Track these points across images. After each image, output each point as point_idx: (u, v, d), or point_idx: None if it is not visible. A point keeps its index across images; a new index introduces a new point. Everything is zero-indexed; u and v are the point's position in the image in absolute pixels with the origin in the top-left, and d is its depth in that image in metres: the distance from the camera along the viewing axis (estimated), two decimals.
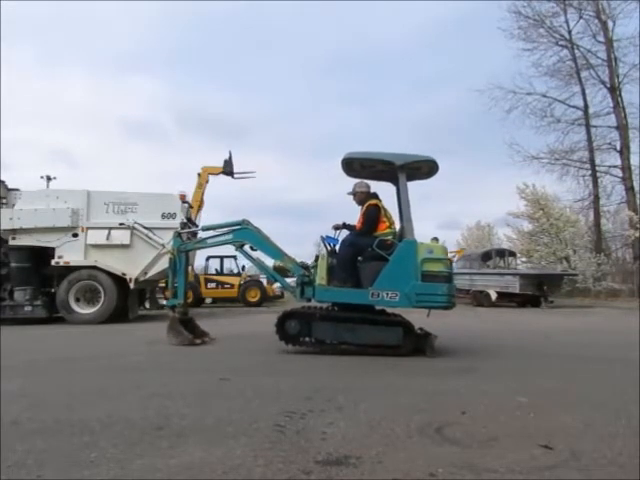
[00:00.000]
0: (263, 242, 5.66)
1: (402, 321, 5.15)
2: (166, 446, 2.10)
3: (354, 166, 5.55)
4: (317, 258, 5.42)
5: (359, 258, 5.22)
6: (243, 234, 5.69)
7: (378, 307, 5.30)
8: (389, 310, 5.38)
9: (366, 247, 5.14)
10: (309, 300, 5.44)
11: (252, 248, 5.69)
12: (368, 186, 5.63)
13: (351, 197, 5.66)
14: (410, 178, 5.36)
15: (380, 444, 2.13)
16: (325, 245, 5.43)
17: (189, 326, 5.92)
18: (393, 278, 4.94)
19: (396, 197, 5.67)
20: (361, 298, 5.00)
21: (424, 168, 5.47)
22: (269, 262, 5.74)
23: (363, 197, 5.54)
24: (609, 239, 27.15)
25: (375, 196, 5.56)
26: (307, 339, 5.17)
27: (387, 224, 5.32)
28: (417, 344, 5.07)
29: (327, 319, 5.20)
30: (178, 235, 6.24)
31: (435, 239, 5.41)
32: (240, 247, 5.69)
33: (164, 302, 15.99)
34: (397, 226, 5.49)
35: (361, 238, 5.25)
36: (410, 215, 5.22)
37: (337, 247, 5.39)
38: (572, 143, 25.68)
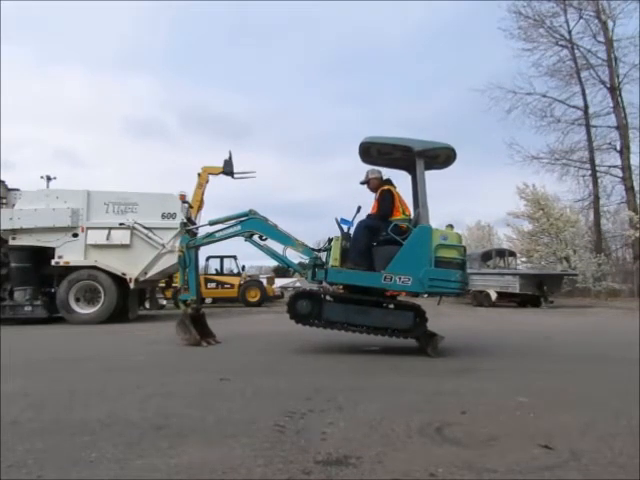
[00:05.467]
0: (272, 230, 5.68)
1: (413, 305, 5.18)
2: (166, 446, 2.10)
3: (371, 152, 5.54)
4: (330, 240, 5.43)
5: (373, 242, 5.23)
6: (251, 224, 5.70)
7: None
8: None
9: (381, 231, 5.16)
10: (320, 282, 5.46)
11: (261, 237, 5.70)
12: (380, 172, 5.70)
13: (363, 186, 5.70)
14: (426, 167, 5.33)
15: (380, 444, 2.13)
16: (340, 227, 5.43)
17: (199, 323, 5.91)
18: (407, 263, 4.95)
19: (411, 184, 5.71)
20: (374, 281, 5.00)
21: (441, 157, 5.47)
22: (278, 249, 5.72)
23: (377, 183, 5.59)
24: (609, 239, 27.12)
25: (389, 182, 5.60)
26: (317, 320, 5.18)
27: (400, 210, 5.34)
28: (426, 333, 5.09)
29: (339, 300, 5.25)
30: (186, 232, 6.25)
31: (450, 226, 5.39)
32: (249, 237, 5.70)
33: (164, 302, 16.13)
34: (410, 213, 5.49)
35: (376, 222, 5.27)
36: (426, 202, 5.19)
37: (352, 230, 5.38)
38: (572, 143, 25.68)
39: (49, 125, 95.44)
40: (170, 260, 9.82)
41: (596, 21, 24.48)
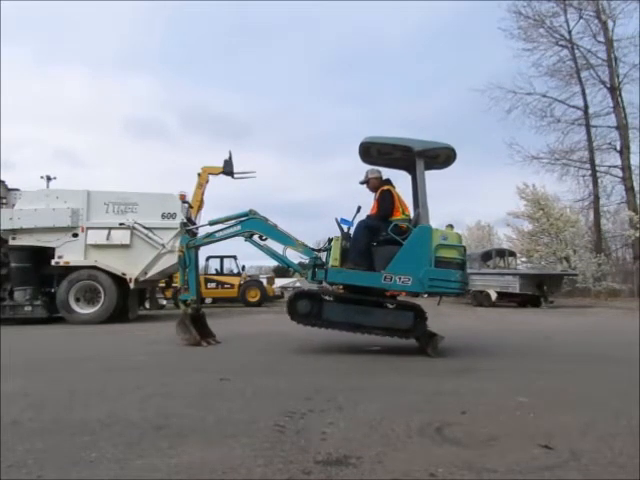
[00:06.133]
0: (272, 230, 5.67)
1: (414, 305, 5.19)
2: (166, 446, 2.10)
3: (371, 152, 5.53)
4: (330, 240, 5.43)
5: (373, 243, 5.22)
6: (251, 224, 5.70)
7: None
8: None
9: (381, 231, 5.16)
10: (320, 282, 5.46)
11: (261, 237, 5.69)
12: (380, 172, 5.70)
13: (363, 186, 5.70)
14: (427, 167, 5.31)
15: (380, 444, 2.13)
16: (340, 227, 5.43)
17: (199, 323, 5.91)
18: (407, 263, 4.94)
19: (411, 184, 5.71)
20: (374, 281, 5.00)
21: (441, 157, 5.46)
22: (278, 249, 5.72)
23: (377, 183, 5.59)
24: (609, 239, 27.12)
25: (388, 182, 5.60)
26: (317, 320, 5.17)
27: (400, 210, 5.34)
28: (426, 333, 5.09)
29: (338, 300, 5.26)
30: (186, 231, 6.25)
31: (450, 226, 5.38)
32: (249, 237, 5.70)
33: (164, 302, 16.13)
34: (410, 213, 5.49)
35: (376, 222, 5.26)
36: (426, 202, 5.18)
37: (352, 230, 5.38)
38: (572, 143, 25.69)
39: (49, 125, 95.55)
40: (170, 260, 9.81)
41: (596, 21, 24.50)
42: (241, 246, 5.75)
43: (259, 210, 5.74)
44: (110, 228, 10.01)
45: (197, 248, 6.00)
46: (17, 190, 10.36)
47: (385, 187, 5.43)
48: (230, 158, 12.20)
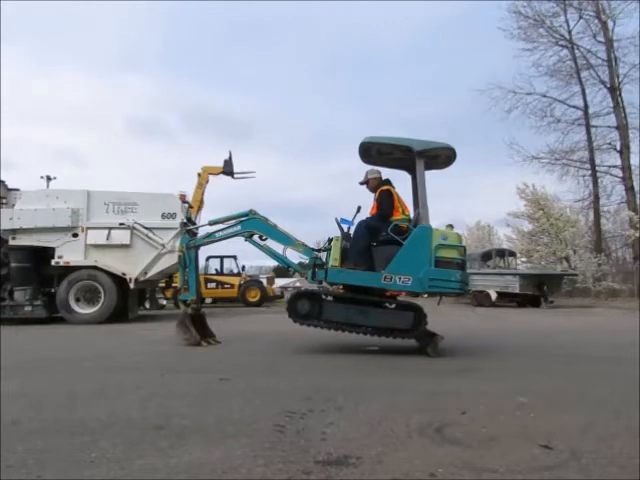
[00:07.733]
0: (272, 230, 5.67)
1: (414, 305, 5.19)
2: (166, 446, 2.10)
3: (371, 152, 5.54)
4: (330, 240, 5.43)
5: (373, 243, 5.22)
6: (251, 224, 5.70)
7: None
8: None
9: (381, 231, 5.16)
10: (320, 282, 5.46)
11: (261, 237, 5.69)
12: (380, 172, 5.70)
13: (363, 186, 5.70)
14: (427, 167, 5.31)
15: (380, 444, 2.13)
16: (340, 227, 5.43)
17: (199, 323, 5.91)
18: (407, 263, 4.94)
19: (411, 184, 5.70)
20: (374, 281, 5.00)
21: (442, 157, 5.46)
22: (278, 249, 5.72)
23: (376, 183, 5.59)
24: (609, 239, 27.13)
25: (388, 182, 5.60)
26: (317, 320, 5.17)
27: (400, 210, 5.34)
28: (426, 333, 5.09)
29: (339, 300, 5.27)
30: (186, 232, 6.26)
31: (450, 226, 5.38)
32: (249, 237, 5.70)
33: (164, 302, 16.14)
34: (410, 213, 5.48)
35: (376, 222, 5.27)
36: (426, 202, 5.18)
37: (352, 230, 5.38)
38: (572, 143, 25.70)
39: (50, 125, 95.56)
40: (170, 260, 9.82)
41: (596, 21, 24.53)
42: (241, 246, 5.72)
43: (259, 210, 5.74)
44: (110, 228, 10.01)
45: (197, 248, 6.00)
46: (17, 190, 10.37)
47: (385, 187, 5.43)
48: (230, 158, 12.18)
